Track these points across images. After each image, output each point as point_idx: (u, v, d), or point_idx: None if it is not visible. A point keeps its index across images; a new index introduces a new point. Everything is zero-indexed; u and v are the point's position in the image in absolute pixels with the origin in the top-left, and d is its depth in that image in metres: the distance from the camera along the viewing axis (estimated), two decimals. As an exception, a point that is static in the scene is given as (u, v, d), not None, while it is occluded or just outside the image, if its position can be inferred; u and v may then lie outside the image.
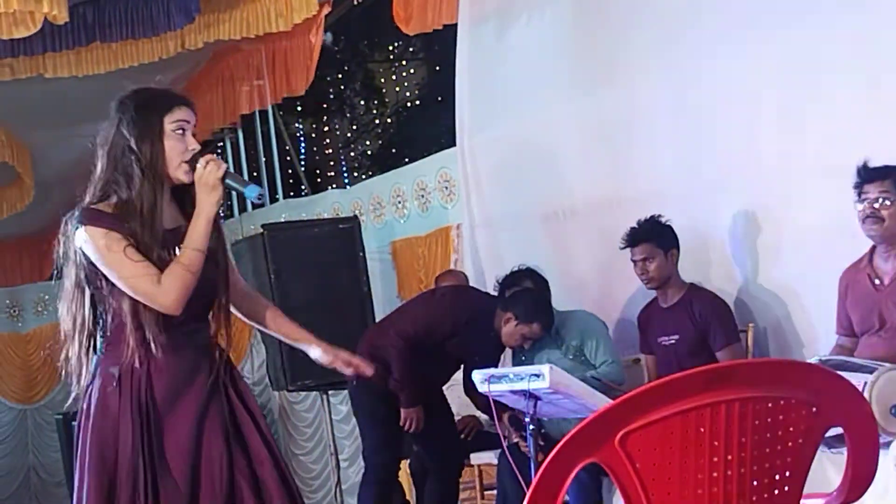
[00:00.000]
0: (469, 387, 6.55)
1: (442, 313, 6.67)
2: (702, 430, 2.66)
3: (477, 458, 7.12)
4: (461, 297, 6.91)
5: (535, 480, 2.68)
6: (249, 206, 11.59)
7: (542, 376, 4.82)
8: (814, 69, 5.79)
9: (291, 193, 12.32)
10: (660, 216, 6.16)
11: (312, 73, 9.14)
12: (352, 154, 15.23)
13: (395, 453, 6.86)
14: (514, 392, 5.04)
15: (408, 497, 7.38)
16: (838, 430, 2.87)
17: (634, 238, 6.16)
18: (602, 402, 4.81)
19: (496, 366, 6.84)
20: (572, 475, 2.68)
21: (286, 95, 9.71)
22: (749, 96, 6.14)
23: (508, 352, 6.87)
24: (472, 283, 7.60)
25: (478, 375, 5.13)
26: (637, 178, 6.87)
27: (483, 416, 7.10)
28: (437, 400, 6.93)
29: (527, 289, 6.70)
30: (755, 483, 2.71)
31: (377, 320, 7.94)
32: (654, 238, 6.11)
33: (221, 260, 3.99)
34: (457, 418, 7.21)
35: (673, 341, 6.12)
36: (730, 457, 2.68)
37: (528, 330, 6.40)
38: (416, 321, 6.65)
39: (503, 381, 5.00)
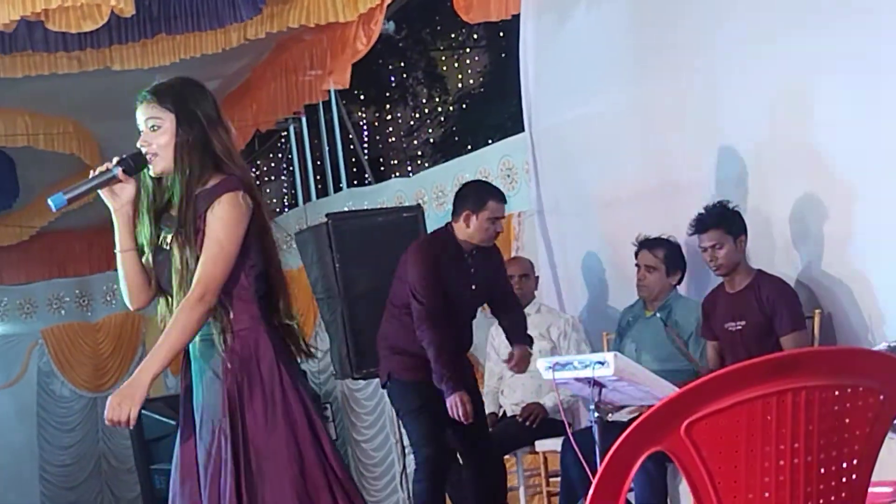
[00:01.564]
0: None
1: (407, 278, 6.59)
2: (768, 418, 2.66)
3: (542, 445, 7.12)
4: (408, 251, 6.76)
5: (600, 469, 2.69)
6: (314, 196, 11.62)
7: (607, 364, 4.80)
8: (878, 49, 5.71)
9: (355, 182, 12.36)
10: (727, 201, 6.12)
11: (351, 59, 9.06)
12: (415, 142, 15.24)
13: (440, 444, 6.66)
14: (578, 379, 5.03)
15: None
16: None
17: (703, 225, 6.08)
18: (668, 390, 4.80)
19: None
20: (638, 464, 2.69)
21: (338, 87, 9.69)
22: (813, 79, 6.07)
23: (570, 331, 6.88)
24: (538, 271, 7.58)
25: (542, 363, 5.13)
26: (698, 162, 6.83)
27: (548, 404, 7.10)
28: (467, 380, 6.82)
29: (465, 185, 6.95)
30: (822, 471, 2.71)
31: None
32: (723, 224, 6.03)
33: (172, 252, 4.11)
34: (522, 405, 7.22)
35: (739, 327, 6.05)
36: (796, 445, 2.68)
37: (488, 212, 6.50)
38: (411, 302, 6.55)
39: (567, 368, 4.99)
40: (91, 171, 4.08)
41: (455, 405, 6.34)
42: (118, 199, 4.08)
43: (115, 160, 4.07)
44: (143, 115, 4.09)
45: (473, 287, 6.61)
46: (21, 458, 13.29)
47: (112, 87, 8.61)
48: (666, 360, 6.38)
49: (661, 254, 6.53)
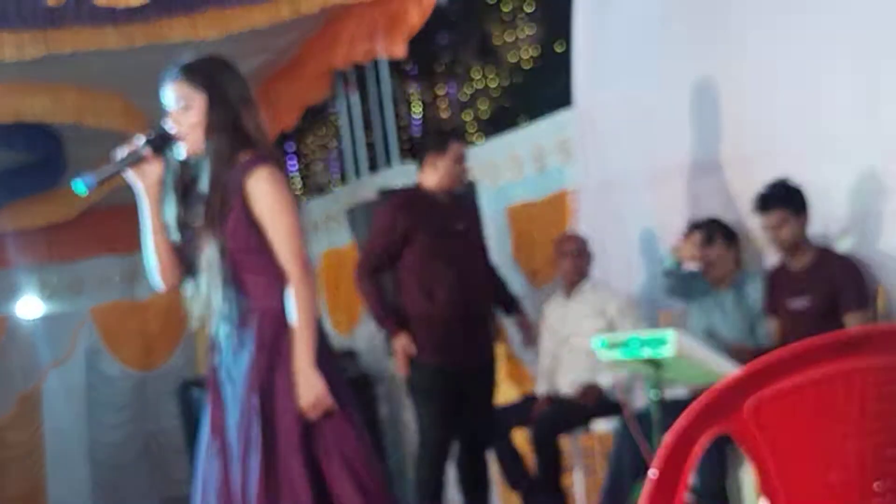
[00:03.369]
0: None
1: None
2: (836, 398, 2.62)
3: (598, 425, 7.05)
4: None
5: (662, 451, 2.61)
6: (366, 171, 11.60)
7: (668, 343, 4.72)
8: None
9: (407, 158, 12.31)
10: (788, 178, 6.00)
11: (406, 33, 8.97)
12: (467, 117, 15.21)
13: (449, 430, 6.71)
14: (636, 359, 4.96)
15: (528, 467, 7.28)
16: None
17: (767, 204, 5.99)
18: (729, 369, 4.71)
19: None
20: (699, 447, 2.62)
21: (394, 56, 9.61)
22: (869, 47, 5.96)
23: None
24: (589, 246, 7.51)
25: (597, 341, 5.06)
26: (750, 135, 6.75)
27: (605, 383, 7.01)
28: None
29: (422, 135, 7.27)
30: (891, 453, 2.66)
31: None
32: (787, 203, 5.94)
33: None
34: (577, 386, 7.12)
35: (804, 305, 5.96)
36: (864, 426, 2.63)
37: (452, 153, 6.75)
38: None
39: (625, 346, 4.92)
40: (118, 152, 4.07)
41: (395, 349, 6.66)
42: (147, 179, 4.09)
43: (142, 139, 4.07)
44: (173, 93, 4.09)
45: (461, 226, 6.77)
46: (70, 437, 13.41)
47: (160, 62, 8.58)
48: (739, 340, 6.30)
49: (715, 236, 6.48)
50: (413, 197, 6.80)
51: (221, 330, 4.14)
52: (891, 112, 5.86)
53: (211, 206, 4.02)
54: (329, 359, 4.16)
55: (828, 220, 6.15)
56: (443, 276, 6.61)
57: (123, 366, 13.66)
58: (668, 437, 2.61)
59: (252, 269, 4.05)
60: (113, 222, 12.95)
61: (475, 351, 6.76)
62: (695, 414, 2.61)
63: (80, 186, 4.01)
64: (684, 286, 6.72)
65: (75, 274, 13.76)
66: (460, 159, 6.79)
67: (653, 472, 2.61)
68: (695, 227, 6.54)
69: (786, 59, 6.48)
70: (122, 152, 4.06)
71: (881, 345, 2.66)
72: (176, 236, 4.17)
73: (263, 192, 4.00)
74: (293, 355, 4.01)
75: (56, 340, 13.54)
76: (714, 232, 6.48)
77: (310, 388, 3.97)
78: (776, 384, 2.61)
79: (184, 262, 4.20)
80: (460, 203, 6.89)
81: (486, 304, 6.90)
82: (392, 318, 6.71)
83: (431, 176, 6.76)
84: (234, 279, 4.05)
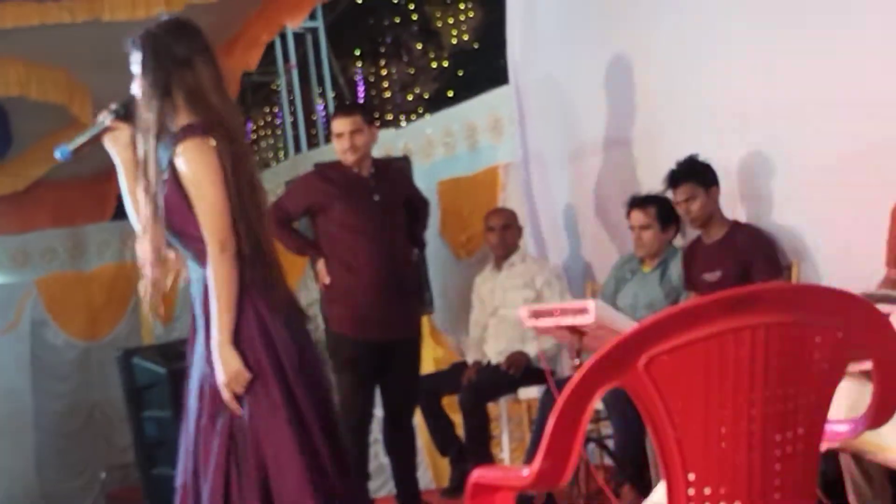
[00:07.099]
0: None
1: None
2: (726, 354, 2.67)
3: (525, 392, 7.18)
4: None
5: (558, 405, 2.68)
6: (304, 147, 11.62)
7: (588, 312, 4.84)
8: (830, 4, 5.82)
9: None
10: (697, 155, 6.17)
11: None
12: (409, 98, 15.22)
13: (369, 401, 6.75)
14: (559, 327, 5.08)
15: (458, 432, 7.39)
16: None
17: (676, 179, 6.17)
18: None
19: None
20: (594, 400, 2.71)
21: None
22: (763, 33, 6.16)
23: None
24: (521, 221, 7.65)
25: (524, 311, 5.17)
26: (655, 113, 6.99)
27: (531, 352, 7.13)
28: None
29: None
30: (781, 408, 2.73)
31: (426, 261, 7.93)
32: (694, 177, 6.11)
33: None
34: (505, 355, 7.26)
35: (717, 277, 6.08)
36: (755, 381, 2.69)
37: (334, 131, 6.70)
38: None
39: (549, 316, 5.03)
40: (92, 122, 4.21)
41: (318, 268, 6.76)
42: (118, 144, 4.16)
43: (112, 107, 4.16)
44: (131, 59, 4.14)
45: (376, 198, 6.68)
46: (16, 406, 13.26)
47: (104, 38, 8.57)
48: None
49: (653, 211, 6.55)
50: (331, 170, 6.80)
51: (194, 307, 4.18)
52: (782, 92, 6.06)
53: (147, 180, 4.04)
54: (309, 347, 4.21)
55: (724, 196, 6.30)
56: (360, 249, 6.60)
57: (68, 336, 13.52)
58: (564, 392, 2.67)
59: (202, 244, 4.03)
60: (58, 195, 12.84)
61: (396, 324, 6.70)
62: (590, 369, 2.68)
63: (62, 154, 4.16)
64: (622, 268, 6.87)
65: (21, 246, 13.59)
66: (340, 135, 6.65)
67: (549, 426, 2.68)
68: (642, 202, 6.62)
69: (686, 40, 6.67)
70: (93, 122, 4.20)
71: (773, 303, 2.72)
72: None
73: (186, 167, 3.99)
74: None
75: (1, 311, 13.42)
76: (655, 209, 6.59)
77: (225, 365, 3.93)
78: (670, 340, 2.67)
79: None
80: (383, 176, 6.80)
81: (406, 277, 6.83)
82: (310, 245, 6.81)
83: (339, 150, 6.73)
84: (195, 257, 4.07)
